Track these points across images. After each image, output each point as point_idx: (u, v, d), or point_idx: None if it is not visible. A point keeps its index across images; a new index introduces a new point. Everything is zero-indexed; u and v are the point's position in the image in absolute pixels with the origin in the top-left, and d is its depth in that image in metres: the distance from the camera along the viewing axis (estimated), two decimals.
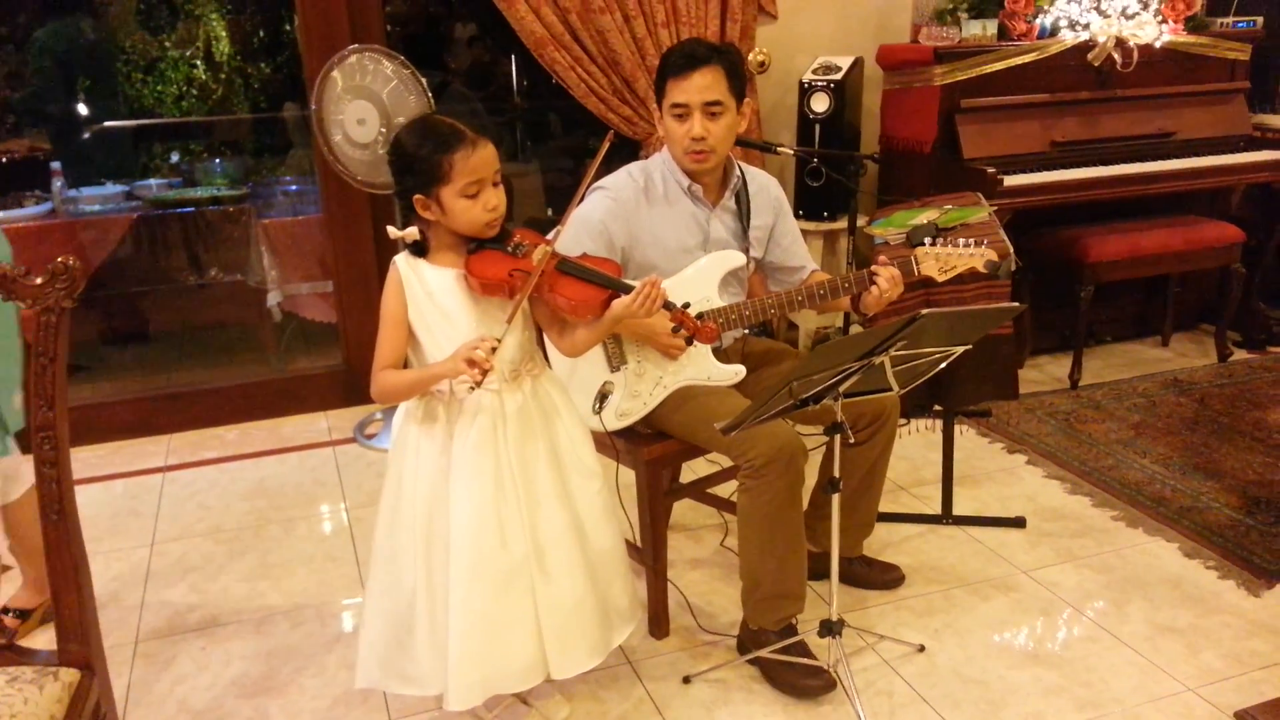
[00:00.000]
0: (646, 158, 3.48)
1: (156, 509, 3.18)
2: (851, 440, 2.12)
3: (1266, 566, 2.60)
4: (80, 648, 1.61)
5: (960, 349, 1.95)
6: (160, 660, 2.41)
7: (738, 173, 2.36)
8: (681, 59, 2.20)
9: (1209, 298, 4.39)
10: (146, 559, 2.88)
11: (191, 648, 2.46)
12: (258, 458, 3.55)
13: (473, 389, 1.75)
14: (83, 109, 5.24)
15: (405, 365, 1.90)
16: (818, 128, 3.83)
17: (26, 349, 1.52)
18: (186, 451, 3.62)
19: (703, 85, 2.18)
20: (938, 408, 2.88)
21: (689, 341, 2.04)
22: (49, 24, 4.87)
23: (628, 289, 1.82)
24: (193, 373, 4.38)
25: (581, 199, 2.05)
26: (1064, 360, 4.00)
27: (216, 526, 3.06)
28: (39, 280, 1.51)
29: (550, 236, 1.90)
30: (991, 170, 3.58)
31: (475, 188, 1.76)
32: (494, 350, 1.71)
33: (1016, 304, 1.87)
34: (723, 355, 2.33)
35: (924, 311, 1.74)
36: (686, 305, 1.88)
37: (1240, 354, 4.15)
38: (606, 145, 1.90)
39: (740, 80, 2.24)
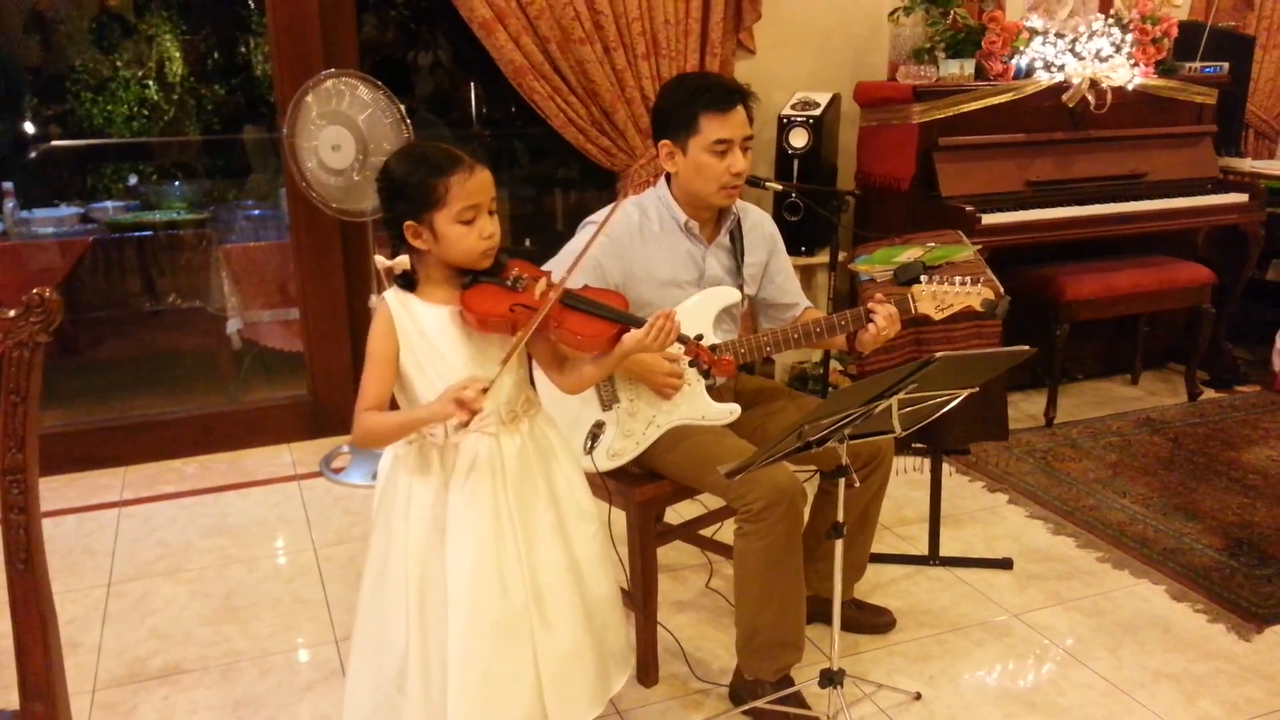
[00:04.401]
0: (622, 189, 3.42)
1: (113, 546, 3.03)
2: (856, 483, 2.07)
3: (1255, 610, 2.59)
4: (46, 708, 1.50)
5: (966, 391, 1.91)
6: (120, 711, 2.28)
7: (734, 210, 2.32)
8: (723, 93, 2.15)
9: (1177, 337, 4.44)
10: (104, 600, 2.73)
11: (154, 697, 2.32)
12: (219, 492, 3.41)
13: (459, 428, 1.67)
14: (29, 127, 5.08)
15: (392, 406, 1.81)
16: (796, 163, 3.81)
17: None
18: (143, 485, 3.46)
19: (740, 121, 2.16)
20: (918, 445, 2.83)
21: (706, 374, 1.98)
22: None
23: (639, 322, 1.75)
24: (149, 402, 4.20)
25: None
26: (1037, 397, 4.01)
27: (177, 565, 2.92)
28: (12, 313, 1.41)
29: (546, 268, 1.83)
30: (970, 208, 3.58)
31: (472, 213, 1.68)
32: (484, 391, 1.63)
33: (1027, 347, 1.83)
34: (715, 393, 2.27)
35: (938, 354, 1.69)
36: (699, 337, 1.81)
37: (1209, 393, 4.19)
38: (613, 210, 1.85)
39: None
